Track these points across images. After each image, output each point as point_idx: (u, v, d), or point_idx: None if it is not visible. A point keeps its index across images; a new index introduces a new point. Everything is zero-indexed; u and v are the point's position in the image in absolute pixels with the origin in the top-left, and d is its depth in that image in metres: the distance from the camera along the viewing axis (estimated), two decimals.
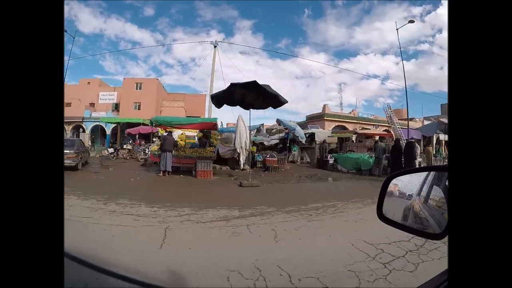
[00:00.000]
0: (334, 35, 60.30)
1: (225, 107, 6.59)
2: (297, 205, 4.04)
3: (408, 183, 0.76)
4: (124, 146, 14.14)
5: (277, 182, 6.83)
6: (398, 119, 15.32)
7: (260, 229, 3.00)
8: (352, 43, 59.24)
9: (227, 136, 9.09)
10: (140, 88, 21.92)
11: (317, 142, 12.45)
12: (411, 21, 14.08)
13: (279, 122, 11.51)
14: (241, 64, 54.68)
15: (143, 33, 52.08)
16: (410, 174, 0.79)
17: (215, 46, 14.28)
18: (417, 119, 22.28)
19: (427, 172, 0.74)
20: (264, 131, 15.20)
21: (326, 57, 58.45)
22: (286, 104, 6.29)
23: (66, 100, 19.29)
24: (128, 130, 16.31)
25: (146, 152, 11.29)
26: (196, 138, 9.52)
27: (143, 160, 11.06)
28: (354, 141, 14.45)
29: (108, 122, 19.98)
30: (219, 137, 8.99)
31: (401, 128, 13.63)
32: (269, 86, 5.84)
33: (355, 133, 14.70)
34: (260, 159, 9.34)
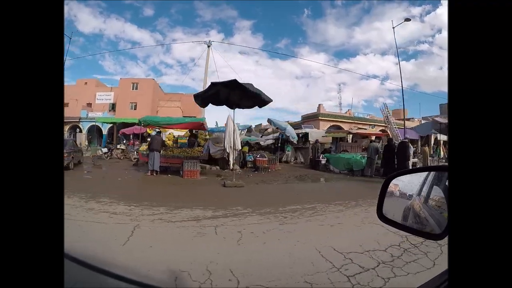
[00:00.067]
0: (334, 35, 60.23)
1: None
2: (275, 207, 3.94)
3: (408, 183, 0.76)
4: (118, 146, 14.13)
5: (263, 183, 6.74)
6: (398, 119, 15.15)
7: (227, 230, 2.94)
8: (352, 43, 59.13)
9: (218, 136, 9.01)
10: (136, 88, 21.97)
11: (310, 142, 12.34)
12: (407, 20, 13.93)
13: (270, 121, 11.37)
14: (241, 64, 54.71)
15: (142, 33, 52.14)
16: (410, 174, 0.79)
17: (208, 46, 14.24)
18: (416, 119, 22.12)
19: (427, 172, 0.74)
20: (258, 131, 15.10)
21: (325, 57, 58.31)
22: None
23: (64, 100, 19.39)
24: (122, 130, 16.30)
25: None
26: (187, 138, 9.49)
27: (135, 160, 11.04)
28: (350, 141, 14.32)
29: (104, 122, 20.02)
30: (207, 137, 8.93)
31: (398, 128, 13.48)
32: (252, 85, 5.76)
33: (349, 133, 14.56)
34: (250, 159, 9.25)
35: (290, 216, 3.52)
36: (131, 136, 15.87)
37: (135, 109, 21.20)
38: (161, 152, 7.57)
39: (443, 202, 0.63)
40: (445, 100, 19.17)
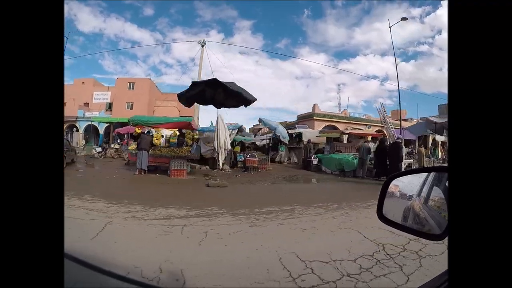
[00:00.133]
0: (334, 36, 60.13)
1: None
2: (252, 208, 3.85)
3: (408, 184, 0.76)
4: (112, 146, 14.13)
5: (249, 183, 6.67)
6: (397, 120, 14.96)
7: (193, 230, 2.90)
8: (352, 44, 59.02)
9: (208, 135, 8.95)
10: (132, 88, 22.01)
11: (304, 142, 12.26)
12: (404, 19, 13.76)
13: (260, 121, 11.29)
14: (241, 64, 54.73)
15: (142, 33, 52.27)
16: (410, 175, 0.80)
17: (202, 46, 14.19)
18: (414, 120, 21.95)
19: (427, 173, 0.74)
20: (252, 131, 15.02)
21: (325, 57, 58.19)
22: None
23: None
24: (117, 130, 16.30)
25: None
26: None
27: (128, 159, 11.04)
28: (345, 142, 14.20)
29: (100, 122, 20.05)
30: (196, 136, 8.88)
31: (394, 128, 13.32)
32: (234, 83, 5.70)
33: (342, 133, 14.43)
34: (241, 159, 9.18)
35: (264, 218, 3.43)
36: (125, 136, 15.88)
37: (131, 108, 21.23)
38: (149, 152, 7.57)
39: (443, 202, 0.63)
40: (444, 101, 19.05)
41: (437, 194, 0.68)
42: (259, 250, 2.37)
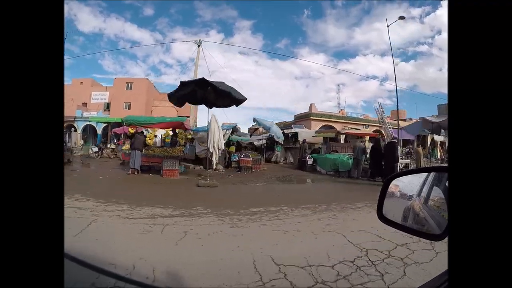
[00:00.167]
0: (334, 36, 60.06)
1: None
2: (237, 209, 3.83)
3: (408, 184, 0.76)
4: (108, 146, 14.16)
5: (241, 183, 6.65)
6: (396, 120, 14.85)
7: (174, 230, 2.90)
8: (352, 44, 58.95)
9: (202, 135, 8.94)
10: (130, 88, 22.05)
11: (300, 142, 12.21)
12: (402, 17, 13.69)
13: (255, 121, 11.24)
14: (241, 64, 54.70)
15: (142, 33, 52.33)
16: (410, 175, 0.80)
17: (198, 46, 14.17)
18: (413, 120, 21.84)
19: (427, 173, 0.74)
20: (246, 131, 14.98)
21: (325, 57, 58.10)
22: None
23: None
24: (114, 130, 16.33)
25: None
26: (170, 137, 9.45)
27: (122, 159, 11.05)
28: (343, 141, 14.13)
29: (98, 122, 20.07)
30: (189, 136, 8.86)
31: (392, 128, 13.25)
32: (223, 83, 5.68)
33: (338, 132, 14.35)
34: (235, 159, 9.16)
35: (247, 219, 3.39)
36: (122, 136, 15.90)
37: (129, 108, 21.27)
38: (142, 151, 7.58)
39: (443, 202, 0.63)
40: (444, 101, 18.96)
41: (437, 194, 0.68)
42: (234, 251, 2.33)
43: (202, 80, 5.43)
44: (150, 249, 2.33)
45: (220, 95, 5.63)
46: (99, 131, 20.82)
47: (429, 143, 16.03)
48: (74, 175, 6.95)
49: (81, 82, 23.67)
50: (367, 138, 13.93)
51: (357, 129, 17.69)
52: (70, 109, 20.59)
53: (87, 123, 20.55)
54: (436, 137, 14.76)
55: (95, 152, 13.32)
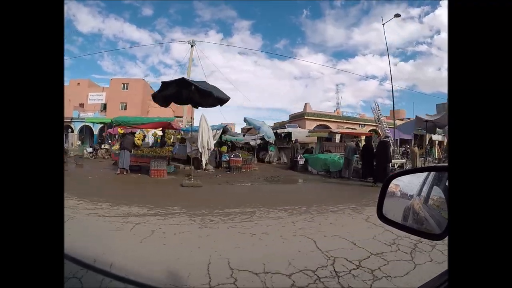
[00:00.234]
0: (333, 36, 60.07)
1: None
2: (213, 209, 3.79)
3: (408, 183, 0.76)
4: (102, 146, 14.18)
5: (227, 183, 6.60)
6: (396, 119, 14.76)
7: (144, 228, 2.92)
8: (351, 44, 58.98)
9: (193, 135, 8.92)
10: (126, 89, 22.12)
11: (292, 142, 12.15)
12: (397, 15, 13.62)
13: (245, 120, 11.15)
14: (240, 64, 54.66)
15: (141, 33, 52.52)
16: (410, 175, 0.80)
17: (192, 46, 14.16)
18: (412, 119, 21.73)
19: (427, 173, 0.74)
20: (239, 131, 14.92)
21: (324, 57, 58.17)
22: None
23: None
24: (108, 130, 16.34)
25: None
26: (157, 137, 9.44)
27: (113, 159, 11.05)
28: (338, 141, 14.04)
29: (94, 122, 20.11)
30: (178, 136, 8.85)
31: (389, 128, 13.18)
32: (205, 82, 5.64)
33: (331, 131, 14.25)
34: (225, 159, 9.12)
35: (219, 219, 3.35)
36: (116, 136, 15.90)
37: (125, 109, 21.35)
38: (131, 151, 7.59)
39: (443, 202, 0.63)
40: (443, 101, 18.87)
41: (437, 193, 0.67)
42: (193, 252, 2.30)
43: (182, 79, 5.40)
44: (115, 245, 2.36)
45: (203, 95, 5.60)
46: (96, 131, 20.88)
47: (426, 142, 15.91)
48: (64, 175, 7.07)
49: (78, 83, 23.80)
50: (363, 137, 13.81)
51: (353, 128, 17.59)
52: (67, 110, 20.67)
53: (85, 123, 20.62)
54: (434, 137, 14.63)
55: (90, 153, 13.35)
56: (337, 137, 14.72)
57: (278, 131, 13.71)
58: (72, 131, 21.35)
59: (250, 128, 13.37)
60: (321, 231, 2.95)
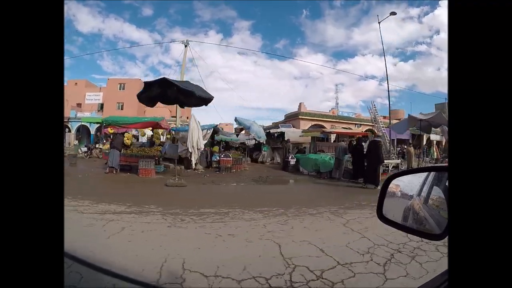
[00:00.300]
0: (333, 36, 59.92)
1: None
2: (188, 209, 3.75)
3: (408, 184, 0.76)
4: (96, 146, 14.24)
5: (213, 184, 6.56)
6: (394, 119, 14.70)
7: (115, 225, 2.97)
8: (350, 44, 58.80)
9: (183, 135, 8.92)
10: (123, 89, 22.20)
11: (287, 142, 12.10)
12: (393, 13, 13.53)
13: (236, 120, 11.08)
14: (240, 64, 54.63)
15: (141, 33, 52.62)
16: (410, 175, 0.80)
17: (186, 46, 14.15)
18: None
19: (427, 173, 0.74)
20: (233, 131, 14.90)
21: (324, 57, 58.00)
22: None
23: None
24: (104, 130, 16.39)
25: None
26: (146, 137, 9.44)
27: (103, 158, 11.08)
28: (334, 141, 13.97)
29: (90, 122, 20.22)
30: (168, 136, 8.84)
31: (385, 127, 13.08)
32: (188, 82, 5.62)
33: (323, 131, 14.16)
34: (215, 159, 9.11)
35: (190, 219, 3.31)
36: (111, 136, 15.94)
37: (122, 109, 21.42)
38: (121, 151, 7.63)
39: (443, 202, 0.63)
40: (442, 100, 18.78)
41: (437, 193, 0.67)
42: (154, 250, 2.30)
43: (164, 80, 5.38)
44: (83, 240, 2.36)
45: (186, 95, 5.59)
46: (92, 131, 20.96)
47: (424, 142, 15.79)
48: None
49: (76, 83, 23.91)
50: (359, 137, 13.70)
51: (349, 128, 17.49)
52: (65, 110, 20.82)
53: (82, 123, 20.72)
54: (432, 137, 14.52)
55: (85, 152, 13.43)
56: (333, 137, 14.65)
57: (271, 131, 13.65)
58: (69, 131, 21.45)
59: (242, 128, 13.30)
60: (291, 236, 2.80)
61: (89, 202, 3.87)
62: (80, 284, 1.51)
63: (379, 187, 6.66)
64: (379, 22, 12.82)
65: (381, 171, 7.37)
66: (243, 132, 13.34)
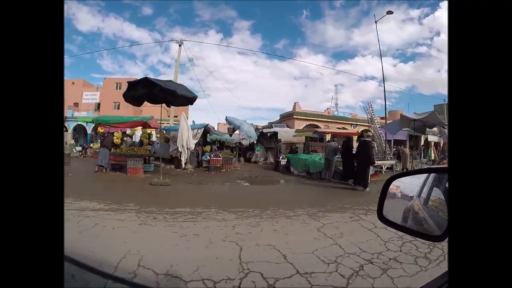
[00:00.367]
0: (333, 36, 59.87)
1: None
2: (165, 207, 3.77)
3: (408, 185, 0.76)
4: (91, 145, 14.29)
5: (199, 183, 6.50)
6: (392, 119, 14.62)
7: (89, 221, 3.04)
8: (350, 45, 58.80)
9: (174, 135, 8.94)
10: (120, 88, 22.24)
11: (278, 142, 12.10)
12: (389, 12, 13.49)
13: (227, 120, 11.06)
14: (240, 64, 54.61)
15: (141, 32, 52.70)
16: (410, 176, 0.80)
17: (180, 45, 14.18)
18: None
19: (427, 174, 0.74)
20: (226, 131, 14.90)
21: (324, 58, 58.04)
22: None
23: None
24: (97, 130, 16.44)
25: None
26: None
27: (93, 157, 11.12)
28: (328, 141, 13.93)
29: (86, 122, 20.25)
30: (157, 135, 8.87)
31: (381, 128, 13.04)
32: (171, 81, 5.62)
33: (316, 131, 14.09)
34: (205, 159, 9.13)
35: (162, 218, 3.33)
36: (105, 134, 15.96)
37: (118, 108, 21.46)
38: (111, 150, 7.69)
39: (443, 203, 0.62)
40: (442, 102, 18.69)
41: (437, 195, 0.67)
42: (117, 246, 2.34)
43: (146, 79, 5.40)
44: None
45: (171, 94, 5.60)
46: (89, 130, 21.01)
47: (421, 143, 15.73)
48: None
49: (73, 82, 23.98)
50: (355, 137, 13.69)
51: (345, 128, 17.43)
52: None
53: (79, 122, 20.77)
54: (430, 138, 14.46)
55: (79, 151, 13.51)
56: (328, 137, 14.61)
57: (264, 130, 13.64)
58: (66, 130, 21.50)
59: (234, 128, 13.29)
60: (257, 239, 2.70)
61: (71, 199, 3.90)
62: None
63: (367, 189, 6.59)
64: (376, 22, 12.81)
65: (372, 172, 7.29)
66: (237, 132, 13.35)
